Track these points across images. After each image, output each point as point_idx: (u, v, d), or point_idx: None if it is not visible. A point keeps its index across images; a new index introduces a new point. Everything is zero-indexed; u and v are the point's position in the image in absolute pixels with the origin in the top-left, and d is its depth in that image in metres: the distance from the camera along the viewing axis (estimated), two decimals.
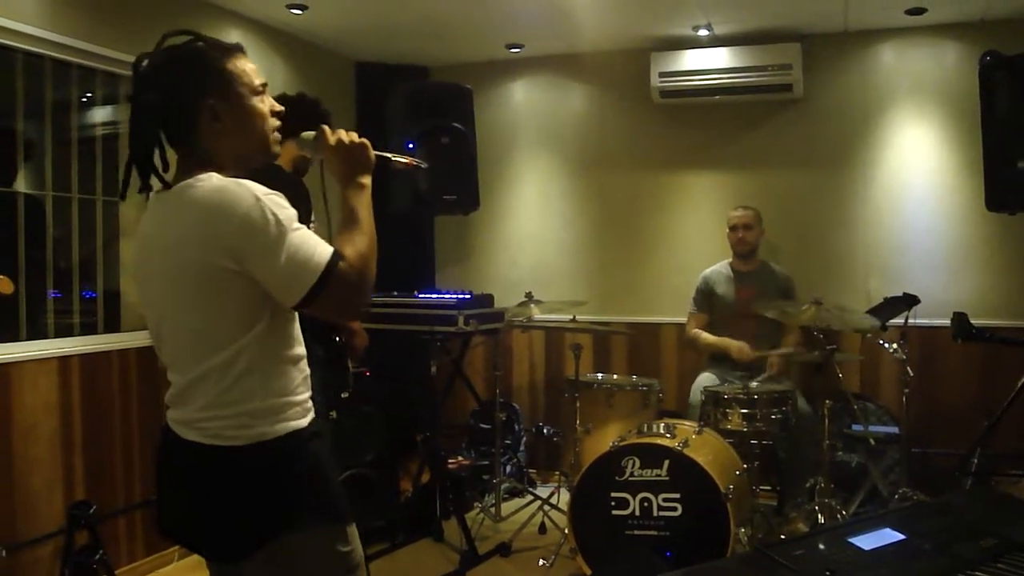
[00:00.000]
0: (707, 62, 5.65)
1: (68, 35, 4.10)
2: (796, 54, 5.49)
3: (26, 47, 3.94)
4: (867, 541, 1.83)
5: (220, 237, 1.79)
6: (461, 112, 5.60)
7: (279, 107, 2.06)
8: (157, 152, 1.95)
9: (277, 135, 2.05)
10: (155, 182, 1.97)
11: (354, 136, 2.06)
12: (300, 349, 2.00)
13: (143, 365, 4.49)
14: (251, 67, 2.00)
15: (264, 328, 1.88)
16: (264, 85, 2.02)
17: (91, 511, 4.02)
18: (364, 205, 2.01)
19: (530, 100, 6.45)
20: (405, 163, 2.24)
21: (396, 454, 5.20)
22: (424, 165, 2.30)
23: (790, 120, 5.79)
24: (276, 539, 1.87)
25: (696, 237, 5.98)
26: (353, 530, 2.00)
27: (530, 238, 6.42)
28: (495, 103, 6.43)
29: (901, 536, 1.85)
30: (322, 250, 1.85)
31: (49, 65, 4.13)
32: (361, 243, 1.93)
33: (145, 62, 1.94)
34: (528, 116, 6.43)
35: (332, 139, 2.04)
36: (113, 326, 4.51)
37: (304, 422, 1.96)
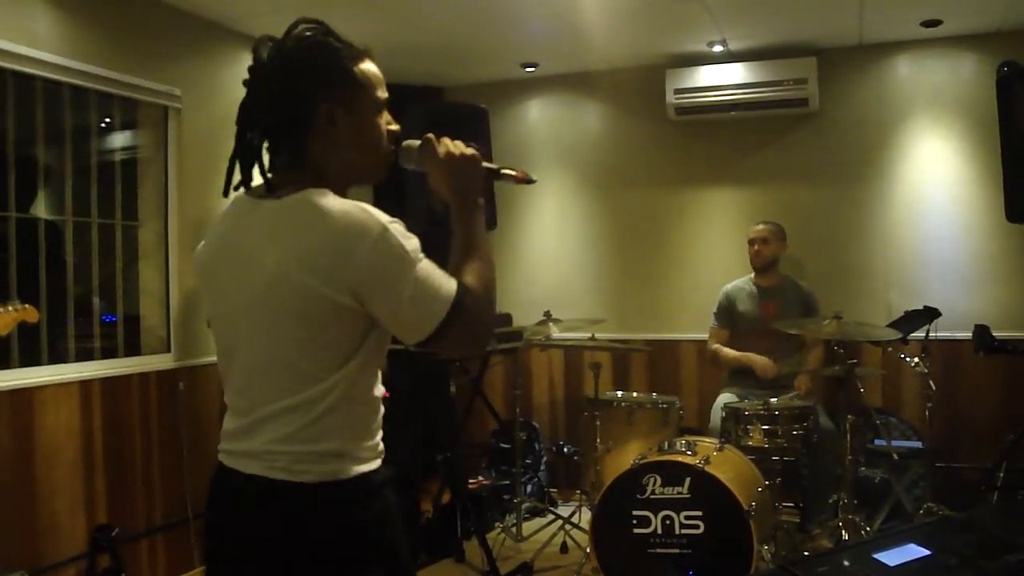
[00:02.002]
0: (722, 78, 5.65)
1: (86, 62, 4.15)
2: (811, 68, 5.48)
3: (45, 74, 3.98)
4: (892, 557, 1.81)
5: (342, 272, 1.61)
6: (477, 132, 5.61)
7: (395, 126, 1.86)
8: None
9: (390, 155, 1.86)
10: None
11: (463, 147, 1.86)
12: (381, 389, 1.81)
13: (163, 388, 4.52)
14: (377, 76, 1.81)
15: (357, 366, 1.70)
16: (386, 100, 1.83)
17: (113, 534, 4.04)
18: (480, 228, 1.83)
19: (546, 119, 6.47)
20: (515, 176, 1.99)
21: (416, 474, 5.20)
22: (534, 179, 2.02)
23: (807, 134, 5.77)
24: None
25: (714, 253, 5.96)
26: None
27: (548, 257, 6.42)
28: (511, 122, 6.45)
29: (926, 552, 1.83)
30: (448, 284, 1.68)
31: (68, 92, 4.17)
32: (484, 273, 1.77)
33: (268, 46, 1.76)
34: (544, 135, 6.45)
35: (441, 150, 1.84)
36: (133, 350, 4.53)
37: (377, 464, 1.78)
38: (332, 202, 1.65)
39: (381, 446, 1.82)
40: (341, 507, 1.70)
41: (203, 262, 1.85)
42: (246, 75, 1.79)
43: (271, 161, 1.80)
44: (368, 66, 1.80)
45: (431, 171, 1.86)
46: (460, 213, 1.83)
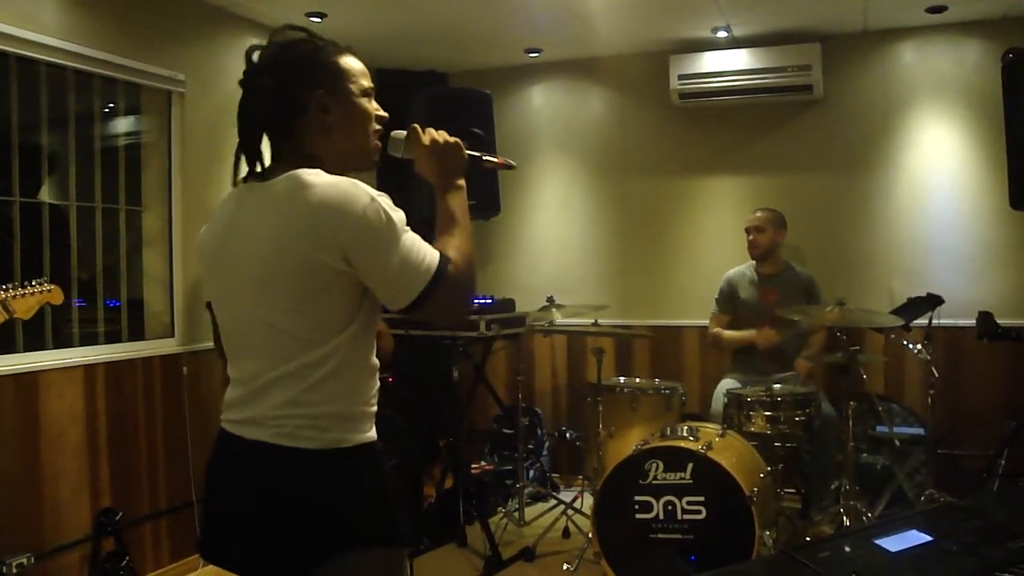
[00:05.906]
0: (726, 64, 5.63)
1: (90, 46, 4.14)
2: (816, 55, 5.47)
3: (49, 59, 3.97)
4: (894, 543, 1.81)
5: (335, 235, 1.71)
6: (480, 117, 5.59)
7: (384, 113, 1.99)
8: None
9: (378, 143, 1.98)
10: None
11: (447, 136, 2.02)
12: (376, 359, 1.90)
13: (167, 373, 4.53)
14: (360, 68, 1.94)
15: (354, 332, 1.80)
16: (372, 89, 1.96)
17: (117, 518, 4.06)
18: (462, 207, 1.97)
19: (549, 104, 6.45)
20: (496, 163, 2.17)
21: (419, 460, 5.21)
22: (514, 165, 2.22)
23: (810, 121, 5.76)
24: (334, 557, 1.74)
25: (717, 239, 5.95)
26: (405, 557, 1.91)
27: (551, 242, 6.42)
28: (514, 108, 6.44)
29: (928, 538, 1.84)
30: (431, 254, 1.80)
31: (72, 77, 4.16)
32: (464, 246, 1.89)
33: (257, 51, 1.91)
34: (547, 120, 6.44)
35: (426, 139, 2.00)
36: (137, 334, 4.55)
37: (375, 434, 1.87)
38: (322, 177, 1.76)
39: (375, 410, 1.90)
40: (346, 475, 1.78)
41: (205, 245, 1.96)
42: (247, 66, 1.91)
43: (272, 154, 1.92)
44: (351, 59, 1.94)
45: (417, 158, 2.02)
46: (444, 193, 1.99)
